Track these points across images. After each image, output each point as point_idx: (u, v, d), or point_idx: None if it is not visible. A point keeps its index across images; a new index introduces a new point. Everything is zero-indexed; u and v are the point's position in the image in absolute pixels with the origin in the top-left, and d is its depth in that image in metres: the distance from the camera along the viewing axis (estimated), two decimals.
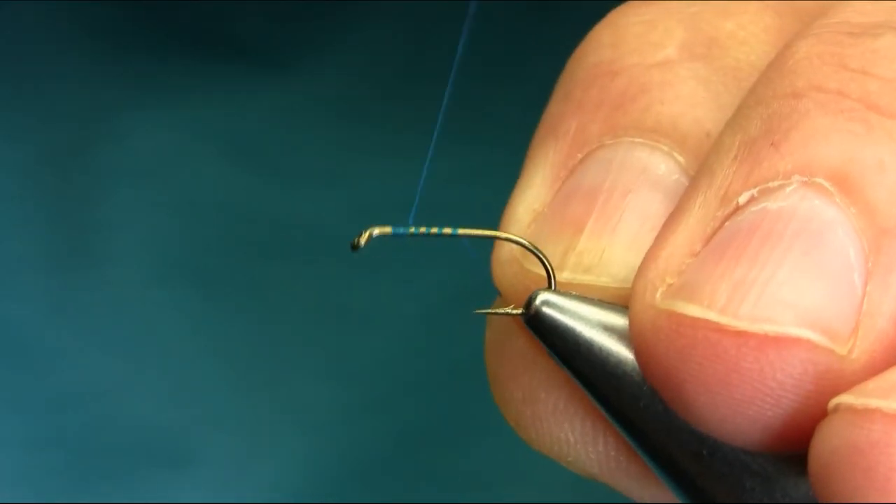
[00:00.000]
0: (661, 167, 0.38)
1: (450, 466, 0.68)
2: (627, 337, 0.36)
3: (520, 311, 0.37)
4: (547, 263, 0.37)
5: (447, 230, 0.38)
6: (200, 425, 0.68)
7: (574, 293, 0.37)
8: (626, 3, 0.41)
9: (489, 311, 0.39)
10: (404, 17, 0.71)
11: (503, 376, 0.39)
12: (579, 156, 0.39)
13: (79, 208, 0.70)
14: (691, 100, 0.39)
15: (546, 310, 0.37)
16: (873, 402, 0.33)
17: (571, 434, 0.38)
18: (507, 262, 0.39)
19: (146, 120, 0.71)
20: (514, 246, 0.39)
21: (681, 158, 0.38)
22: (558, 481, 0.63)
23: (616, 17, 0.41)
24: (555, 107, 0.40)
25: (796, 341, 0.34)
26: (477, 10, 0.40)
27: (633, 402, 0.36)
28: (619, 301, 0.37)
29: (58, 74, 0.72)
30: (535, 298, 0.37)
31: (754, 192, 0.35)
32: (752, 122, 0.36)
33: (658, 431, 0.36)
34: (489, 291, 0.40)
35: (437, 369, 0.69)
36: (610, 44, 0.40)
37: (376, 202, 0.70)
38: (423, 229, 0.38)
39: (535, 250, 0.38)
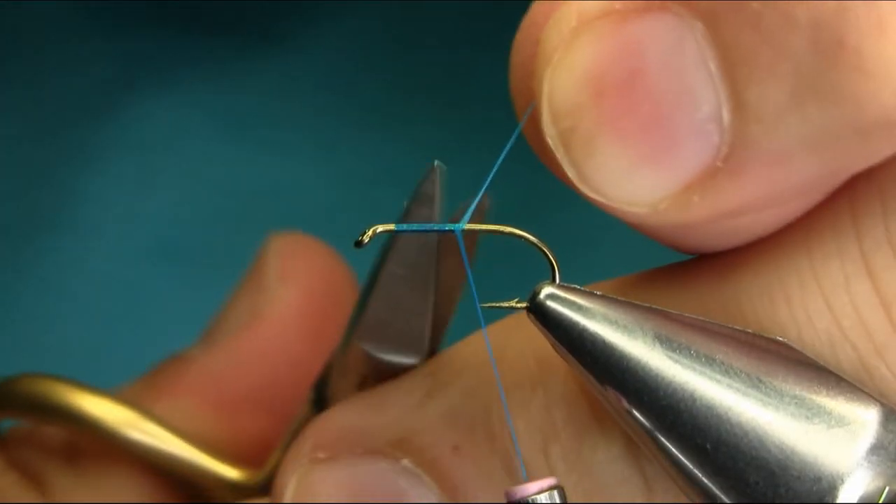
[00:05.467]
0: None
1: None
2: (632, 331, 0.36)
3: (525, 304, 0.37)
4: (551, 258, 0.38)
5: (450, 226, 0.38)
6: None
7: (578, 287, 0.37)
8: None
9: (494, 304, 0.39)
10: None
11: None
12: None
13: (69, 180, 0.70)
14: None
15: (550, 303, 0.37)
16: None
17: None
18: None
19: (139, 97, 0.71)
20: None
21: None
22: None
23: None
24: None
25: None
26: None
27: (636, 395, 0.36)
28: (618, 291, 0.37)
29: (51, 53, 0.72)
30: (539, 292, 0.37)
31: None
32: None
33: (661, 425, 0.36)
34: None
35: None
36: None
37: (367, 174, 0.70)
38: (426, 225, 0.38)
39: (539, 245, 0.38)
